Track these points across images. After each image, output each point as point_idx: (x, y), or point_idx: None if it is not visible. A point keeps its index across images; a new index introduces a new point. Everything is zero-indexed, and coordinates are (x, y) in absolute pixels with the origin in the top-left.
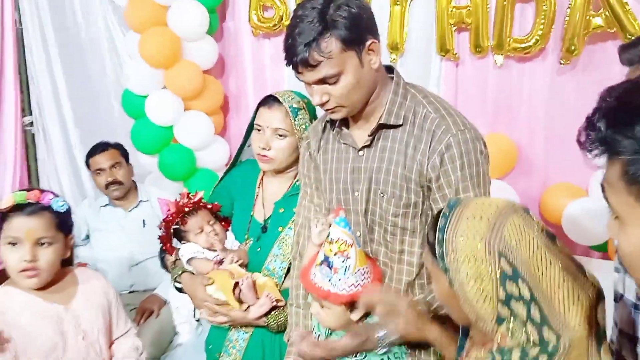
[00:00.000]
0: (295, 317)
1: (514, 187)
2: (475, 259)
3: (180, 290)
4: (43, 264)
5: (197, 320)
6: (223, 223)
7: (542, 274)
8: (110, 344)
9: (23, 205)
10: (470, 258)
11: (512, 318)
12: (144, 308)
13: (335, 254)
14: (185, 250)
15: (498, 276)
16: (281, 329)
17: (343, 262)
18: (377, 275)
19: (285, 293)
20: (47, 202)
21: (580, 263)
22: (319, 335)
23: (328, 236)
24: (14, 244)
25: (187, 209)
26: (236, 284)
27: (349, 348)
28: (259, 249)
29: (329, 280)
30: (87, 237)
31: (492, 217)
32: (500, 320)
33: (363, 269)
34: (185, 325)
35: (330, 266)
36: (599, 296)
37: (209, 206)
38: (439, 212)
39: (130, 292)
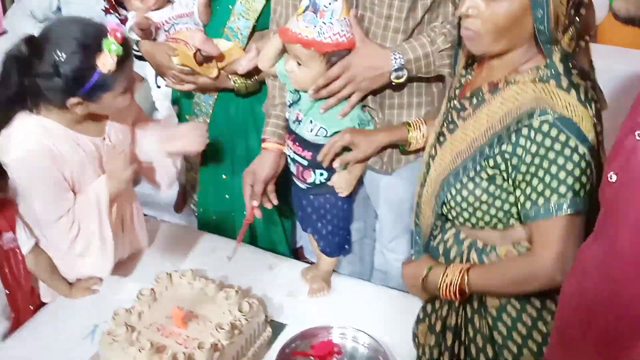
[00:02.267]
0: (272, 89)
1: None
2: None
3: (140, 58)
4: None
5: (158, 87)
6: None
7: None
8: None
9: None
10: None
11: (575, 25)
12: None
13: None
14: (130, 18)
15: None
16: (250, 91)
17: (329, 4)
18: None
19: None
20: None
21: None
22: (290, 103)
23: None
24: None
25: None
26: (195, 53)
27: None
28: (218, 6)
29: (314, 27)
30: (59, 9)
31: None
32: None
33: (347, 20)
34: (164, 102)
35: (315, 10)
36: None
37: None
38: None
39: None
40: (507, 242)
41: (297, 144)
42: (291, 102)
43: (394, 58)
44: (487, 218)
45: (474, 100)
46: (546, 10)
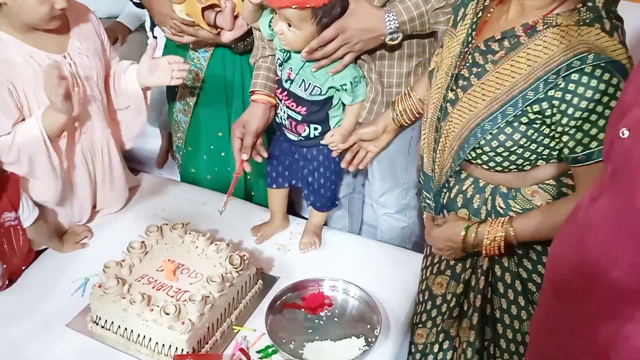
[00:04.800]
0: (261, 40)
1: None
2: None
3: (138, 5)
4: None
5: (155, 37)
6: None
7: None
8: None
9: None
10: None
11: None
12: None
13: None
14: None
15: None
16: (248, 49)
17: None
18: None
19: None
20: None
21: None
22: (281, 61)
23: None
24: None
25: None
26: (205, 8)
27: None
28: None
29: None
30: None
31: None
32: None
33: None
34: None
35: None
36: None
37: None
38: None
39: None
40: (531, 182)
41: (290, 99)
42: (281, 60)
43: (389, 20)
44: (519, 161)
45: (506, 43)
46: None
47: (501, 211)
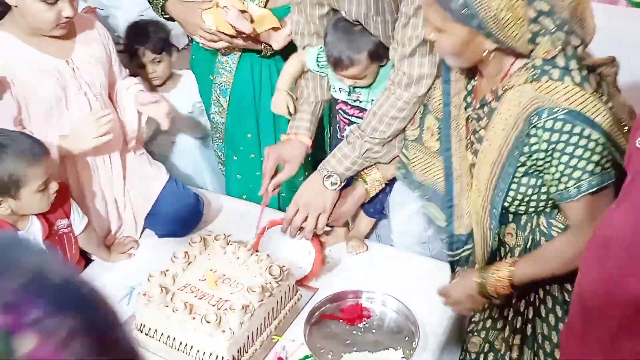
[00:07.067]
0: (305, 87)
1: None
2: None
3: (169, 19)
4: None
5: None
6: None
7: None
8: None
9: None
10: None
11: (544, 32)
12: None
13: None
14: None
15: None
16: (274, 52)
17: None
18: None
19: None
20: None
21: None
22: (344, 90)
23: None
24: (51, 3)
25: None
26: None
27: None
28: None
29: None
30: None
31: None
32: (533, 38)
33: None
34: None
35: None
36: None
37: None
38: None
39: None
40: None
41: (354, 108)
42: (347, 91)
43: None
44: (541, 204)
45: (485, 109)
46: (495, 32)
47: (544, 230)
